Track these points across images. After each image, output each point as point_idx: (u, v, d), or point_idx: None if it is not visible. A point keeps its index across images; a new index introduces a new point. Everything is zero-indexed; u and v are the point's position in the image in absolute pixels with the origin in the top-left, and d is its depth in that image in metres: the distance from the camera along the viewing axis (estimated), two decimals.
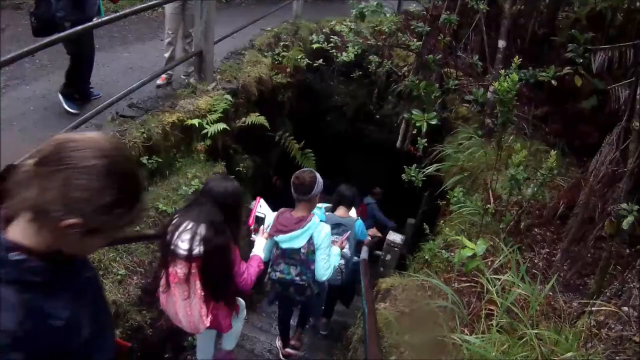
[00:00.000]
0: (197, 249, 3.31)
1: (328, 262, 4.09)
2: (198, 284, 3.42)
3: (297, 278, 4.12)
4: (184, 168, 5.52)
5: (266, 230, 4.15)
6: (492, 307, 3.57)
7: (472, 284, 3.90)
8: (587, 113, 6.54)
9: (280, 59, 8.40)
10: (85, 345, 1.49)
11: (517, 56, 4.58)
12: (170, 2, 6.18)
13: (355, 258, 5.59)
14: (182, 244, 3.34)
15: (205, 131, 5.75)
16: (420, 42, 8.03)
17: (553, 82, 5.74)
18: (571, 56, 5.80)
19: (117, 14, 5.21)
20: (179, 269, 3.40)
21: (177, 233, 3.39)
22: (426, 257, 4.78)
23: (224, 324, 3.75)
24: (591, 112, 6.49)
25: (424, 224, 6.08)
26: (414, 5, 9.51)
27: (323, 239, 4.05)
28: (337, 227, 5.05)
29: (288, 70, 8.30)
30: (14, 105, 5.76)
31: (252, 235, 4.21)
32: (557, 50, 7.45)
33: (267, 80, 7.66)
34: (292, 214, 4.10)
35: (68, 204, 1.27)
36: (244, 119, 6.67)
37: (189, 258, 3.33)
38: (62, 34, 4.64)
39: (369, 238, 6.00)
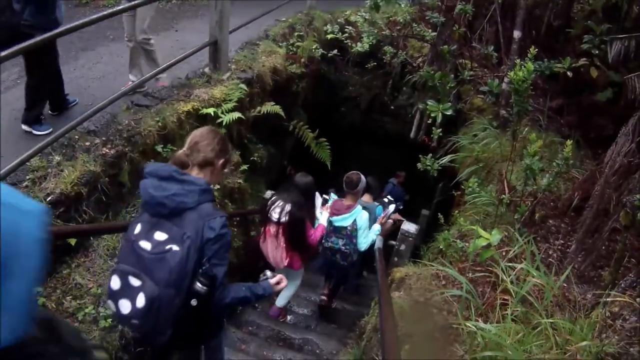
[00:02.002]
0: (284, 218, 5.36)
1: (367, 237, 5.70)
2: (282, 239, 5.47)
3: (343, 247, 5.71)
4: None
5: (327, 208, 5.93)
6: (506, 297, 3.57)
7: (487, 273, 3.90)
8: (603, 105, 6.49)
9: (294, 49, 8.43)
10: None
11: (532, 47, 4.56)
12: None
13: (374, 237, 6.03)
14: (274, 214, 5.40)
15: (220, 120, 5.79)
16: (435, 33, 8.00)
17: (568, 73, 5.72)
18: (587, 47, 5.77)
19: (131, 3, 5.17)
20: (272, 228, 5.50)
21: (272, 206, 5.45)
22: (441, 247, 4.78)
23: (295, 266, 5.74)
24: (606, 104, 6.43)
25: (439, 214, 6.09)
26: None
27: (364, 221, 5.66)
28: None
29: (302, 60, 8.33)
30: None
31: (318, 211, 5.96)
32: (572, 42, 7.39)
33: (281, 70, 7.69)
34: (344, 202, 5.78)
35: (218, 154, 2.71)
36: (258, 108, 6.70)
37: (278, 223, 5.41)
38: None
39: (391, 222, 6.61)
